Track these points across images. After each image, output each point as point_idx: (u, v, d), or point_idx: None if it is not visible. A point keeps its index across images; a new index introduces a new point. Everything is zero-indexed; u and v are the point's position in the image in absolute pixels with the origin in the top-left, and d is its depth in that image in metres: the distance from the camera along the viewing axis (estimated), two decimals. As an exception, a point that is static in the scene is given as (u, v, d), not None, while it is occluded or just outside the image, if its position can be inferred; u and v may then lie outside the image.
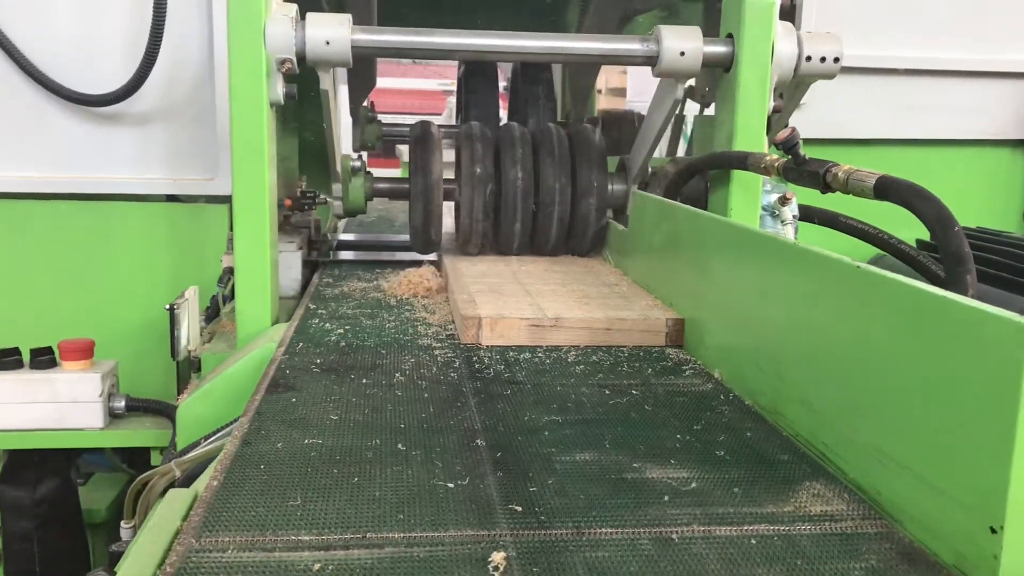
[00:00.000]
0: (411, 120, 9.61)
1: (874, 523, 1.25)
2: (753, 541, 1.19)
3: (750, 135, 2.42)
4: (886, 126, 3.11)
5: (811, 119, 3.00)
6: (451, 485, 1.34)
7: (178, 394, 2.23)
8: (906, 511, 1.21)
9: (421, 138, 2.90)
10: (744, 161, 2.24)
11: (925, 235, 2.81)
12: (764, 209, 2.56)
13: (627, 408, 1.71)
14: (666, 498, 1.31)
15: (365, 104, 4.12)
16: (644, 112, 3.93)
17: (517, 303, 2.30)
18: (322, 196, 3.25)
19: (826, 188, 1.92)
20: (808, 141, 3.01)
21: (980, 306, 1.07)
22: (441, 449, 1.48)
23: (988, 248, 2.70)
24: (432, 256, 3.12)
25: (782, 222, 2.56)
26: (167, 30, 2.62)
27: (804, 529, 1.23)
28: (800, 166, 1.97)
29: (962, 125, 3.09)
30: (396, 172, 6.89)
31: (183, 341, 2.18)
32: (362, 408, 1.67)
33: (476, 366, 1.97)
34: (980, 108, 3.07)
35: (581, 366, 1.99)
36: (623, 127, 4.03)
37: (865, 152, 3.11)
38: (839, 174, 1.87)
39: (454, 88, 10.27)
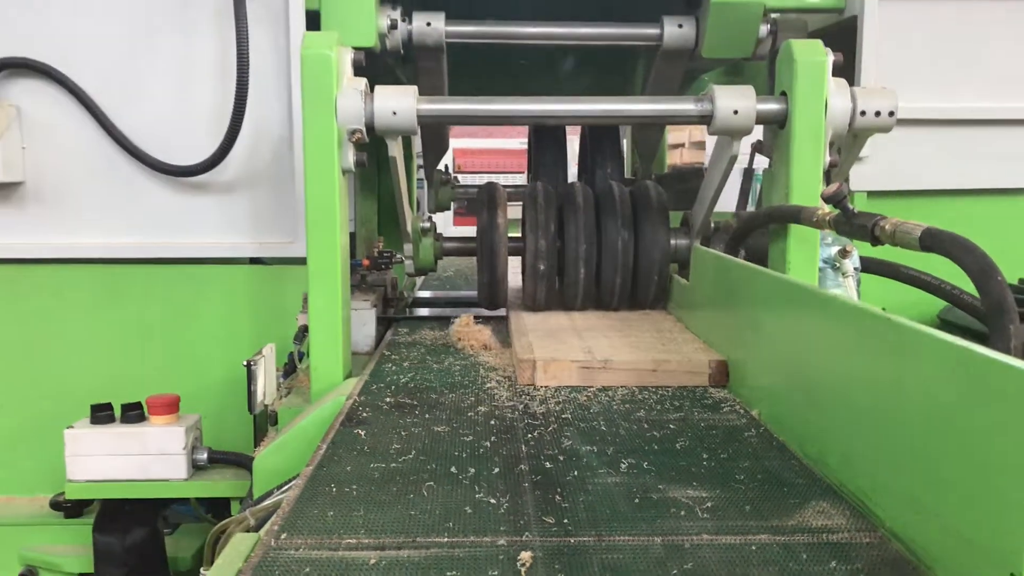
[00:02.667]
0: (496, 177, 9.83)
1: (868, 535, 1.37)
2: (753, 548, 1.34)
3: (805, 189, 2.46)
4: (958, 175, 3.10)
5: (876, 171, 3.02)
6: (493, 501, 1.53)
7: (255, 446, 2.35)
8: (938, 558, 1.23)
9: (486, 200, 3.02)
10: (798, 215, 2.28)
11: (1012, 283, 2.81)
12: (825, 262, 2.58)
13: (662, 440, 1.86)
14: (682, 513, 1.47)
15: (440, 167, 4.28)
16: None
17: (570, 348, 2.47)
18: (398, 256, 3.39)
19: (875, 241, 1.95)
20: (875, 193, 3.04)
21: (1011, 362, 1.09)
22: (488, 472, 1.67)
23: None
24: (501, 312, 3.23)
25: (843, 274, 2.58)
26: (249, 104, 2.81)
27: (802, 539, 1.36)
28: (849, 219, 2.01)
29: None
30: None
31: (259, 396, 2.31)
32: (422, 438, 1.89)
33: (528, 403, 2.17)
34: (1048, 156, 3.05)
35: (627, 404, 2.14)
36: (690, 182, 4.08)
37: (936, 203, 3.10)
38: (886, 227, 1.89)
39: (527, 148, 10.51)
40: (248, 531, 2.02)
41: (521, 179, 10.63)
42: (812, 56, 2.45)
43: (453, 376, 2.45)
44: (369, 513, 1.48)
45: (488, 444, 1.86)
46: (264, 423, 2.44)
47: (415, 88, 2.50)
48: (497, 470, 1.69)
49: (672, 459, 1.74)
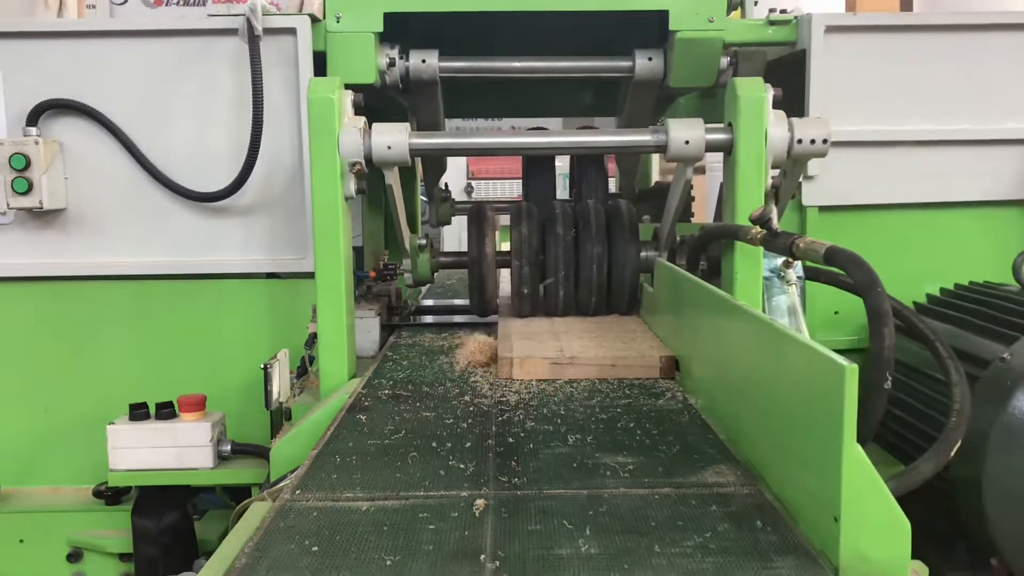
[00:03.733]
0: (501, 184, 10.07)
1: (749, 488, 1.76)
2: (656, 497, 1.75)
3: (748, 209, 2.78)
4: (899, 191, 3.42)
5: (825, 188, 3.35)
6: (462, 466, 1.94)
7: (272, 438, 2.71)
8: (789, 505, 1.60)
9: (476, 218, 3.38)
10: (736, 233, 2.62)
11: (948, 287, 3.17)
12: (771, 272, 2.91)
13: (607, 421, 2.26)
14: (608, 474, 1.88)
15: (440, 185, 4.64)
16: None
17: (545, 347, 2.85)
18: (402, 268, 3.75)
19: (793, 256, 2.29)
20: (826, 208, 3.37)
21: (816, 347, 1.45)
22: (461, 446, 2.09)
23: (982, 301, 2.98)
24: (492, 318, 3.58)
25: (787, 283, 2.91)
26: (264, 136, 3.16)
27: (696, 491, 1.76)
28: (773, 238, 2.35)
29: (969, 188, 3.39)
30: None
31: (274, 394, 2.67)
32: (412, 421, 2.32)
33: (504, 394, 2.57)
34: (985, 173, 3.36)
35: (586, 393, 2.55)
36: (672, 197, 4.41)
37: (880, 216, 3.42)
38: (800, 244, 2.23)
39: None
40: (265, 509, 2.39)
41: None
42: (753, 92, 2.79)
43: (445, 373, 2.85)
44: (364, 476, 1.90)
45: (465, 425, 2.28)
46: (279, 418, 2.80)
47: (407, 125, 2.86)
48: (469, 444, 2.11)
49: (611, 435, 2.14)
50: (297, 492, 1.83)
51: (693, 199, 4.95)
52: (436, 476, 1.90)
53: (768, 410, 1.77)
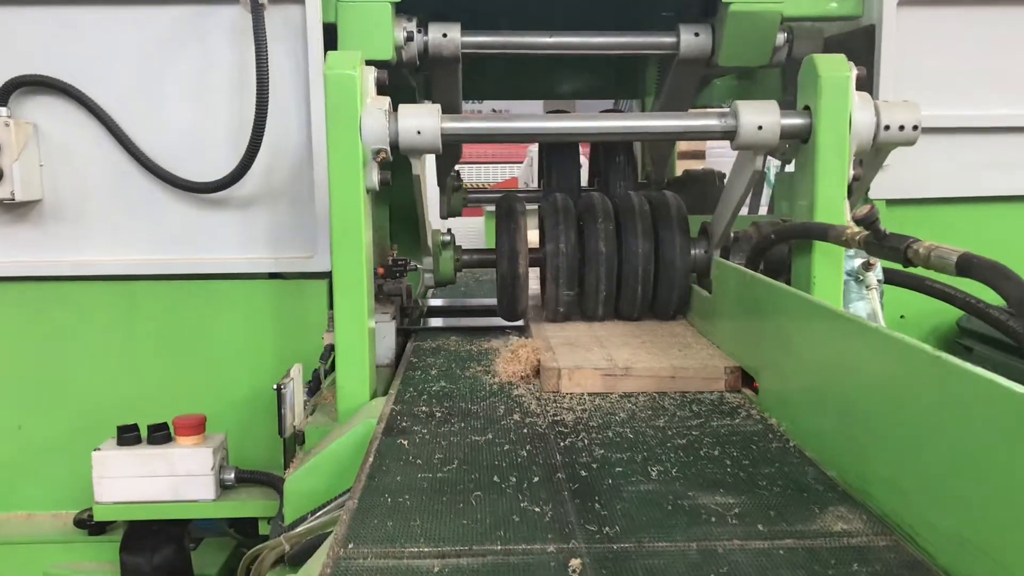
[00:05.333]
0: (494, 167, 9.68)
1: (885, 538, 1.50)
2: (782, 552, 1.46)
3: (830, 205, 2.46)
4: (978, 183, 3.11)
5: (895, 180, 3.03)
6: (537, 509, 1.66)
7: (285, 468, 2.36)
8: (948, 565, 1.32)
9: (506, 213, 3.03)
10: (825, 234, 2.29)
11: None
12: (848, 275, 2.59)
13: (686, 447, 1.98)
14: (713, 519, 1.59)
15: (451, 173, 4.28)
16: (723, 171, 4.04)
17: (593, 356, 2.58)
18: (412, 263, 3.40)
19: (907, 263, 1.96)
20: (896, 202, 3.05)
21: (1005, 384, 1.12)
22: (528, 481, 1.80)
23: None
24: (519, 323, 3.24)
25: (867, 287, 2.58)
26: (269, 121, 2.80)
27: (825, 543, 1.49)
28: (881, 241, 2.01)
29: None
30: (480, 219, 7.09)
31: (288, 419, 2.32)
32: (462, 448, 2.02)
33: (556, 411, 2.29)
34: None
35: (649, 411, 2.28)
36: (705, 187, 4.10)
37: (956, 211, 3.12)
38: (920, 250, 1.90)
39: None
40: (283, 558, 2.05)
41: (518, 170, 10.60)
42: (836, 71, 2.45)
43: (483, 386, 2.56)
44: (425, 522, 1.60)
45: (524, 453, 1.98)
46: (292, 444, 2.44)
47: (438, 107, 2.50)
48: (536, 479, 1.81)
49: (697, 466, 1.87)
50: (351, 546, 1.51)
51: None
52: (510, 523, 1.61)
53: (917, 447, 1.44)
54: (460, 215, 4.33)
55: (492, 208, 4.59)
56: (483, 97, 5.55)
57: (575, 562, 1.43)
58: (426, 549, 1.49)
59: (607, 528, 1.57)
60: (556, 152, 3.85)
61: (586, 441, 2.05)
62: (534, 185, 9.26)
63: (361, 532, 1.56)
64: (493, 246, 3.08)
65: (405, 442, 2.06)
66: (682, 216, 3.00)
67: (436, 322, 3.55)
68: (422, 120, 2.46)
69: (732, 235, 3.00)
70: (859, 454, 1.69)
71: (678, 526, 1.57)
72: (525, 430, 2.15)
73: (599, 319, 3.09)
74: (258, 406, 3.01)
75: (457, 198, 4.26)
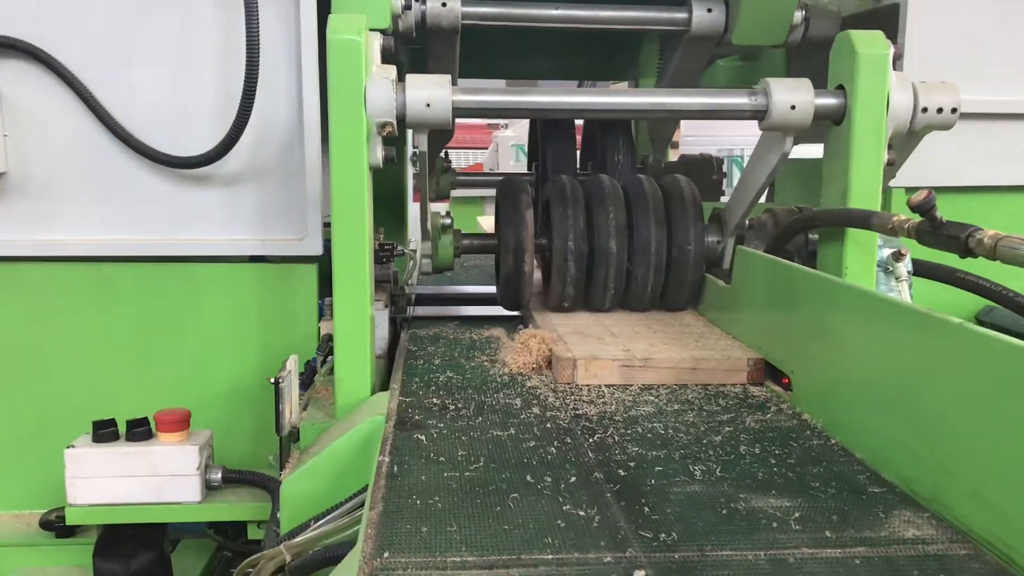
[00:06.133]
0: (458, 153, 9.45)
1: (963, 546, 1.42)
2: (858, 562, 1.37)
3: (865, 191, 2.34)
4: (1005, 172, 3.01)
5: (916, 167, 2.90)
6: (582, 513, 1.53)
7: (281, 468, 2.17)
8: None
9: (510, 195, 2.86)
10: (867, 221, 2.16)
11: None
12: (877, 265, 2.47)
13: (724, 444, 1.90)
14: (774, 524, 1.50)
15: (440, 155, 4.10)
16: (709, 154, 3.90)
17: (608, 347, 2.47)
18: (400, 248, 3.22)
19: (968, 253, 1.83)
20: (916, 190, 2.92)
21: None
22: (565, 481, 1.68)
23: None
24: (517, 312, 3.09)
25: (896, 278, 2.47)
26: (258, 91, 2.60)
27: (901, 551, 1.40)
28: (937, 229, 1.88)
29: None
30: (443, 206, 6.91)
31: (287, 416, 2.13)
32: (486, 444, 1.89)
33: (576, 405, 2.19)
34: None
35: (675, 405, 2.19)
36: (703, 172, 3.97)
37: (981, 200, 3.02)
38: (984, 239, 1.77)
39: (497, 122, 10.22)
40: (283, 567, 1.87)
41: (483, 156, 10.42)
42: (874, 48, 2.33)
43: (493, 377, 2.44)
44: (464, 528, 1.48)
45: (553, 450, 1.86)
46: (288, 442, 2.26)
47: (448, 78, 2.33)
48: (573, 479, 1.70)
49: (741, 465, 1.78)
50: (386, 556, 1.36)
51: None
52: (556, 529, 1.48)
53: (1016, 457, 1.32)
54: (448, 198, 4.15)
55: (459, 193, 4.39)
56: (465, 76, 5.35)
57: (639, 574, 1.32)
58: (470, 558, 1.36)
59: (663, 534, 1.46)
60: (552, 132, 3.68)
61: (616, 437, 1.96)
62: (499, 171, 9.13)
63: (394, 540, 1.42)
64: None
65: (422, 437, 1.94)
66: (696, 202, 2.85)
67: (428, 310, 3.37)
68: (432, 91, 2.28)
69: (748, 222, 2.86)
70: (931, 460, 1.57)
71: (739, 532, 1.47)
72: (548, 425, 2.04)
73: (606, 310, 2.94)
74: (241, 399, 2.83)
75: (446, 179, 4.07)
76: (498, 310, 3.16)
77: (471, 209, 7.97)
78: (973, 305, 3.11)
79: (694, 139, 9.04)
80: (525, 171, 8.94)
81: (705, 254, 2.86)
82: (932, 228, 1.90)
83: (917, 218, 1.97)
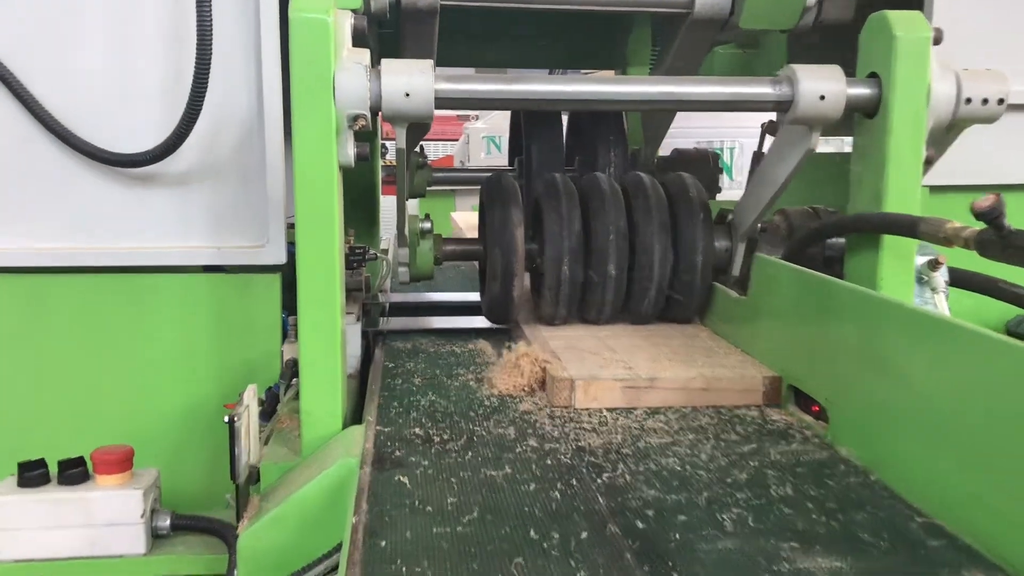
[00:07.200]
0: (427, 145, 9.15)
1: None
2: None
3: (903, 193, 2.10)
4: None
5: (944, 163, 2.66)
6: None
7: (238, 518, 1.88)
8: None
9: (499, 206, 2.59)
10: (914, 228, 1.91)
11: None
12: (911, 275, 2.23)
13: (751, 483, 1.69)
14: None
15: (416, 149, 3.81)
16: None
17: (608, 365, 2.26)
18: (372, 251, 2.95)
19: (1051, 269, 1.58)
20: (940, 188, 2.69)
21: None
22: (576, 538, 1.47)
23: None
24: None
25: (932, 289, 2.24)
26: (211, 79, 2.31)
27: None
28: (1005, 239, 1.63)
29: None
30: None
31: (243, 459, 1.84)
32: (479, 488, 1.67)
33: (578, 434, 1.97)
34: None
35: (689, 434, 1.97)
36: (699, 168, 3.72)
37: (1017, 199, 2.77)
38: (1068, 253, 1.53)
39: (468, 113, 9.94)
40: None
41: (452, 148, 10.13)
42: (914, 31, 2.08)
43: (479, 399, 2.23)
44: None
45: (557, 495, 1.64)
46: (247, 487, 1.97)
47: (431, 63, 2.05)
48: (585, 534, 1.48)
49: (776, 512, 1.57)
50: None
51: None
52: None
53: None
54: (423, 196, 3.86)
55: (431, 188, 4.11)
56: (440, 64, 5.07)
57: None
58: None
59: (701, 613, 1.23)
60: (537, 124, 3.41)
61: (627, 477, 1.73)
62: (470, 164, 8.85)
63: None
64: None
65: (405, 479, 1.71)
66: (705, 204, 2.61)
67: (401, 321, 3.09)
68: (412, 79, 2.01)
69: (760, 226, 2.62)
70: (1006, 510, 1.34)
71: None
72: (548, 460, 1.81)
73: (603, 322, 2.69)
74: (194, 428, 2.54)
75: (422, 176, 3.79)
76: (481, 320, 2.92)
77: (443, 203, 7.69)
78: (1000, 314, 2.89)
79: (676, 130, 8.84)
80: (498, 165, 8.65)
81: (714, 261, 2.61)
82: (999, 238, 1.65)
83: (978, 225, 1.72)
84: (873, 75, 2.14)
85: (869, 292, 1.79)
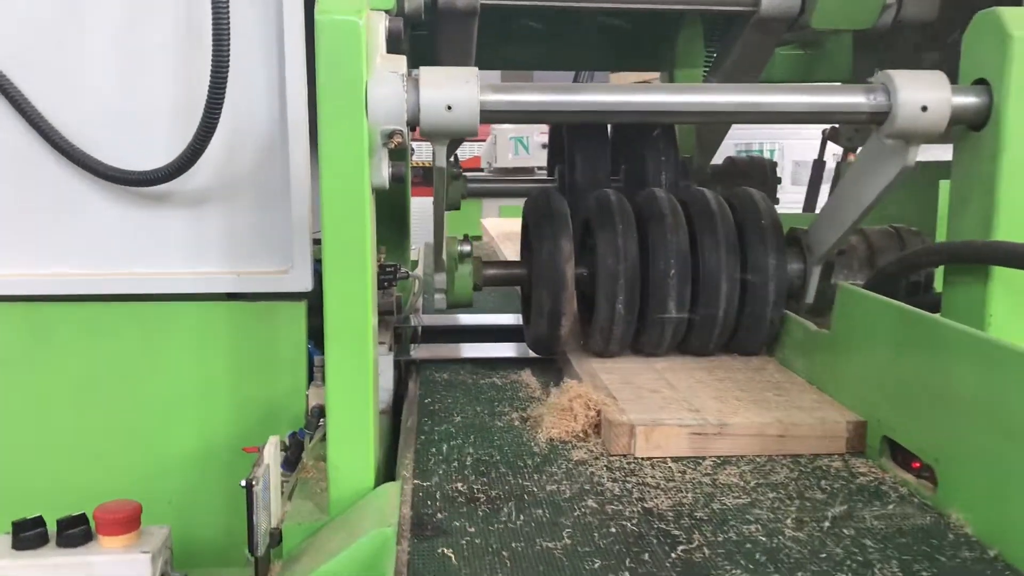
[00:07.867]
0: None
1: None
2: None
3: (1017, 216, 1.84)
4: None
5: None
6: None
7: (258, 587, 1.68)
8: None
9: (547, 223, 2.36)
10: (1038, 262, 1.65)
11: None
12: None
13: (849, 558, 1.49)
14: None
15: (451, 159, 3.60)
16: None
17: (669, 404, 2.08)
18: (404, 270, 2.73)
19: None
20: None
21: None
22: None
23: None
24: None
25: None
26: (228, 89, 2.11)
27: None
28: None
29: None
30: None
31: (262, 527, 1.62)
32: (533, 563, 1.50)
33: (642, 492, 1.78)
34: None
35: (770, 492, 1.77)
36: (756, 178, 3.48)
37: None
38: None
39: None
40: None
41: (479, 148, 9.91)
42: (1035, 32, 1.82)
43: (527, 445, 2.04)
44: None
45: (624, 571, 1.45)
46: (267, 555, 1.75)
47: (475, 71, 1.83)
48: None
49: None
50: None
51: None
52: None
53: None
54: (458, 208, 3.65)
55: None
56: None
57: None
58: None
59: None
60: (582, 132, 3.17)
61: (706, 551, 1.53)
62: (498, 165, 8.63)
63: None
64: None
65: (450, 552, 1.52)
66: (776, 224, 2.37)
67: (440, 351, 2.87)
68: (455, 90, 1.78)
69: (838, 250, 2.37)
70: None
71: None
72: (612, 527, 1.61)
73: (660, 353, 2.46)
74: (208, 472, 2.36)
75: (456, 187, 3.57)
76: (522, 345, 2.73)
77: (470, 207, 7.46)
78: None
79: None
80: (527, 166, 8.29)
81: (787, 287, 2.38)
82: None
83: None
84: (981, 81, 1.89)
85: (993, 340, 1.55)
